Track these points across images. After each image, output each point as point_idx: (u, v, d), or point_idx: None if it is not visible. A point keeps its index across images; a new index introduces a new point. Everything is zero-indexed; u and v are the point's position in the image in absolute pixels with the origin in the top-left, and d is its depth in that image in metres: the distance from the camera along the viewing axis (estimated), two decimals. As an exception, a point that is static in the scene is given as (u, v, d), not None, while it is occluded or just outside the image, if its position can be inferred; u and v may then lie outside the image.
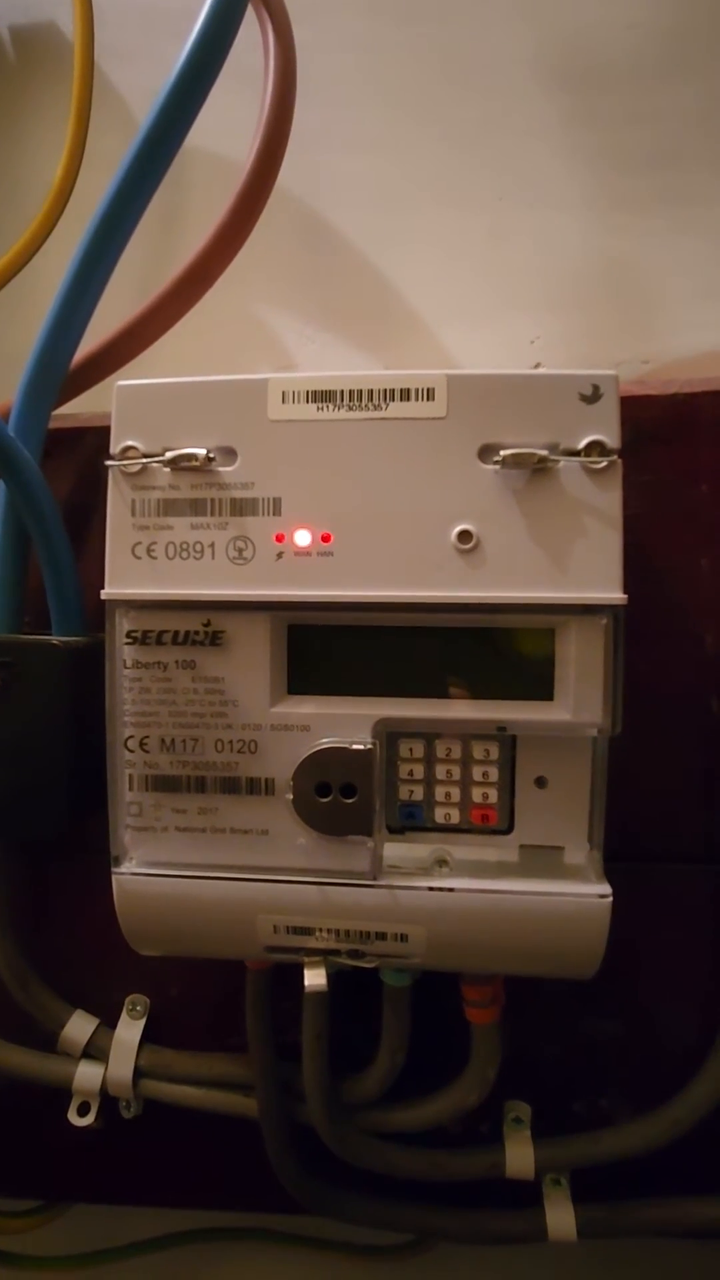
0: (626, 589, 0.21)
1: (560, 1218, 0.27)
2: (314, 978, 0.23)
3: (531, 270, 0.32)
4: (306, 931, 0.23)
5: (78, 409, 0.30)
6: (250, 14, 0.27)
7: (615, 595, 0.21)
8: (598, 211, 0.32)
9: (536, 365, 0.32)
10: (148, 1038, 0.30)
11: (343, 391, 0.21)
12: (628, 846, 0.26)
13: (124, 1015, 0.31)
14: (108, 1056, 0.30)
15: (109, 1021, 0.31)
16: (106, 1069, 0.30)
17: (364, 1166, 0.28)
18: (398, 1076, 0.27)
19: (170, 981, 0.31)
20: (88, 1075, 0.30)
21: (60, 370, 0.27)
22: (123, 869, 0.23)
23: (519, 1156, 0.27)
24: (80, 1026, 0.31)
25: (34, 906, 0.31)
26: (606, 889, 0.21)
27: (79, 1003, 0.31)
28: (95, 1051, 0.30)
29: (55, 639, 0.27)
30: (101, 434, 0.29)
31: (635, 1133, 0.27)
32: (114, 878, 0.23)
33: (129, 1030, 0.30)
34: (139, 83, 0.33)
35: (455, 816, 0.23)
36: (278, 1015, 0.28)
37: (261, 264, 0.30)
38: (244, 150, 0.28)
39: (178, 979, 0.31)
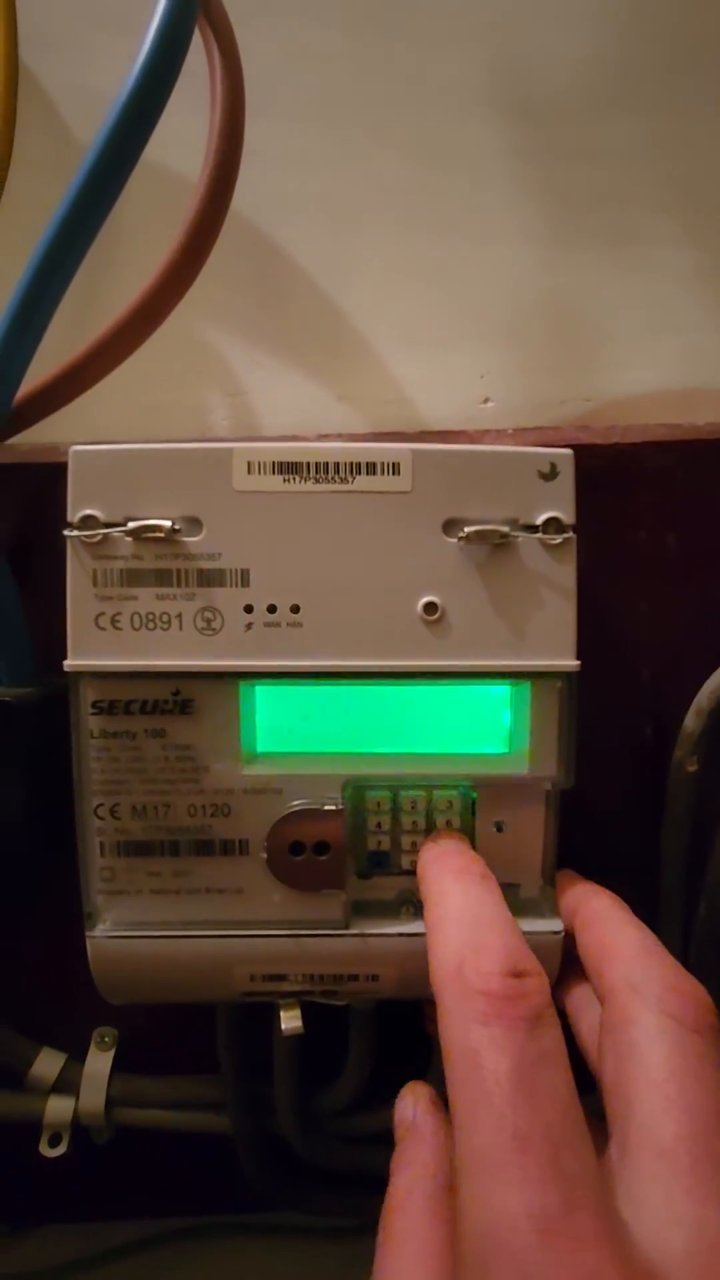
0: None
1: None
2: (290, 1020, 0.24)
3: (480, 303, 0.32)
4: (281, 978, 0.24)
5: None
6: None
7: (569, 662, 0.22)
8: (543, 246, 0.32)
9: (486, 400, 0.32)
10: (118, 1068, 0.31)
11: (309, 464, 0.21)
12: (569, 858, 0.28)
13: (92, 1048, 0.31)
14: (78, 1089, 0.31)
15: (78, 1056, 0.31)
16: (78, 1101, 0.30)
17: (337, 1168, 0.30)
18: (365, 1087, 0.29)
19: (138, 1012, 0.31)
20: (58, 1108, 0.31)
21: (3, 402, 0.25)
22: (97, 931, 0.24)
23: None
24: (48, 1063, 0.31)
25: (-7, 951, 0.31)
26: (559, 925, 0.23)
27: (45, 1040, 0.31)
28: (64, 1085, 0.31)
29: (6, 693, 0.26)
30: (42, 470, 0.27)
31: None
32: (88, 939, 0.24)
33: (99, 1061, 0.31)
34: (66, 77, 0.31)
35: (421, 863, 0.24)
36: (249, 1037, 0.29)
37: (208, 283, 0.29)
38: (189, 160, 0.26)
39: (146, 1010, 0.31)
